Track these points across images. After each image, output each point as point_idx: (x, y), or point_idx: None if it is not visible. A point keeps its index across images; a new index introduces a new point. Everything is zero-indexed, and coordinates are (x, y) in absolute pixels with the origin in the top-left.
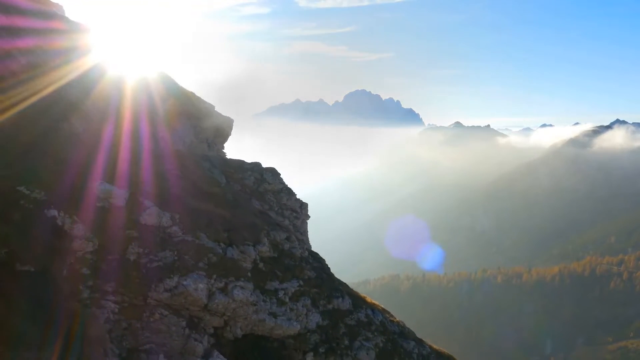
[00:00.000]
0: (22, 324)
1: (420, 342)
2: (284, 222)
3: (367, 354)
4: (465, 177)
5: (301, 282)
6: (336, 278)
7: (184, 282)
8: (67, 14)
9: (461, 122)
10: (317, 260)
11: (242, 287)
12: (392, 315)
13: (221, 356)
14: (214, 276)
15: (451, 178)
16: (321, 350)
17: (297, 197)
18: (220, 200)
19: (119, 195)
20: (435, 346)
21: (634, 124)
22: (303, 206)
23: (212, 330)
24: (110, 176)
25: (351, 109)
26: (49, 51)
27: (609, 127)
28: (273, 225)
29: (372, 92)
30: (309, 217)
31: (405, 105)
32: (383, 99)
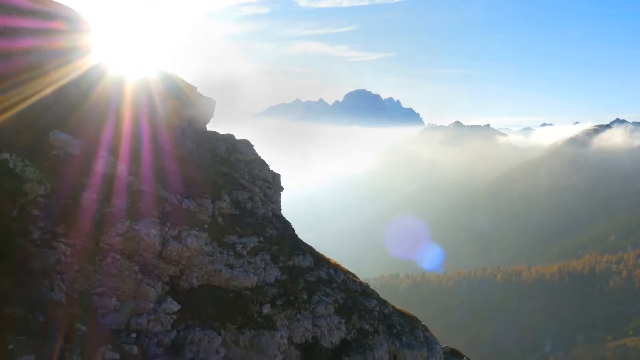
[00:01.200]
0: None
1: (383, 302)
2: (254, 189)
3: (326, 308)
4: (465, 176)
5: (261, 239)
6: (301, 240)
7: (136, 227)
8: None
9: (461, 121)
10: (281, 222)
11: (196, 236)
12: (355, 277)
13: (174, 302)
14: (168, 224)
15: (451, 177)
16: (278, 302)
17: (270, 168)
18: (185, 161)
19: (75, 144)
20: (398, 307)
21: (633, 123)
22: (276, 177)
23: (167, 279)
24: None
25: (351, 109)
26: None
27: (608, 126)
28: (236, 185)
29: (372, 92)
30: (282, 188)
31: (405, 105)
32: (383, 99)
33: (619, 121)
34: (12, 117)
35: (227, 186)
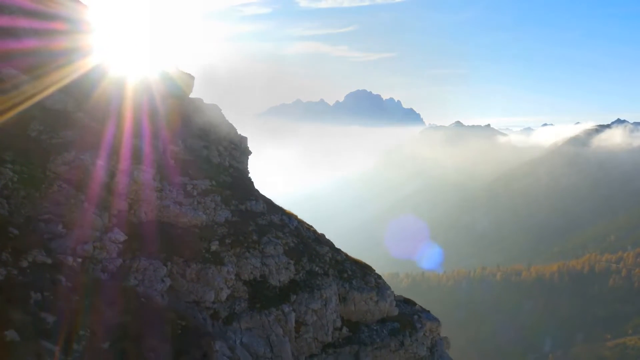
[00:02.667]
0: None
1: (337, 250)
2: (210, 139)
3: (275, 248)
4: (466, 176)
5: (214, 183)
6: (258, 191)
7: (82, 156)
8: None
9: (461, 121)
10: (238, 172)
11: (143, 171)
12: (312, 227)
13: (121, 233)
14: (115, 157)
15: (451, 177)
16: (227, 241)
17: (238, 132)
18: (144, 110)
19: (25, 80)
20: (352, 257)
21: (634, 123)
22: (242, 140)
23: (116, 212)
24: None
25: (352, 109)
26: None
27: (607, 126)
28: (193, 135)
29: (373, 92)
30: (250, 152)
31: (405, 105)
32: (384, 99)
33: (619, 121)
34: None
35: (183, 134)
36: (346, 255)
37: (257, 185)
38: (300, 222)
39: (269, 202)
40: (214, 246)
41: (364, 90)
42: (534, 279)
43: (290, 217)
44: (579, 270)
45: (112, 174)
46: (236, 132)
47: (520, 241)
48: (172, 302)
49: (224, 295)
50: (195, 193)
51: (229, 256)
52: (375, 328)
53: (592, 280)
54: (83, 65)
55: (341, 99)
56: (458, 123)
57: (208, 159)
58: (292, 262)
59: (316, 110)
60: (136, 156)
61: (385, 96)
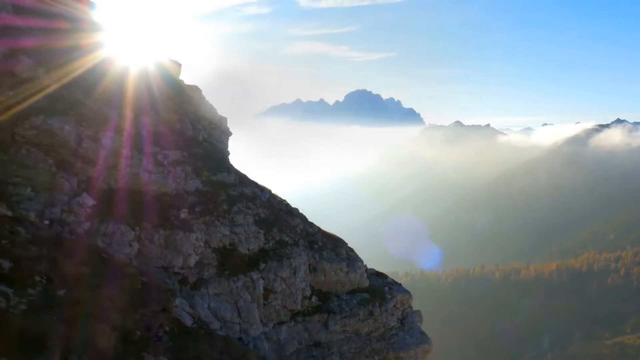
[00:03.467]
0: None
1: (309, 223)
2: (186, 114)
3: (245, 218)
4: (465, 175)
5: (185, 154)
6: (233, 165)
7: (49, 121)
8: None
9: (461, 121)
10: (213, 147)
11: (112, 138)
12: (285, 200)
13: (90, 198)
14: (84, 124)
15: (451, 177)
16: (197, 209)
17: (218, 112)
18: (119, 83)
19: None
20: (325, 230)
21: (633, 123)
22: (222, 120)
23: (85, 178)
24: None
25: (352, 109)
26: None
27: (606, 125)
28: (168, 109)
29: (373, 92)
30: (231, 133)
31: (406, 105)
32: (384, 99)
33: (618, 121)
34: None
35: (154, 106)
36: (319, 228)
37: None
38: (273, 195)
39: (242, 176)
40: (183, 214)
41: (364, 90)
42: (533, 277)
43: (264, 190)
44: (578, 269)
45: (80, 140)
46: (216, 113)
47: (519, 240)
48: (141, 267)
49: (192, 261)
50: (165, 162)
51: (198, 224)
52: (345, 298)
53: (591, 279)
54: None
55: (341, 99)
56: (458, 123)
57: (181, 132)
58: (262, 231)
59: (316, 110)
60: (104, 123)
61: (385, 96)
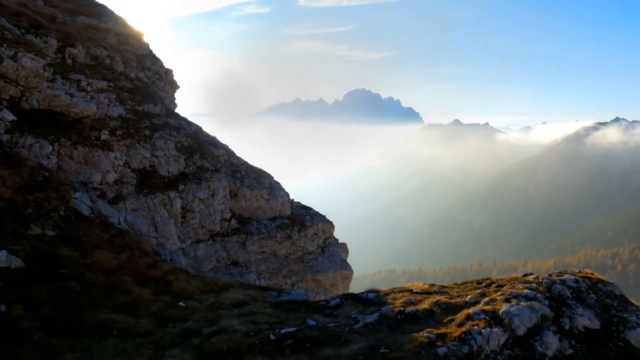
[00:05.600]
0: None
1: (234, 155)
2: (120, 66)
3: (166, 143)
4: (464, 173)
5: (111, 85)
6: (162, 101)
7: None
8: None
9: (460, 120)
10: (146, 85)
11: (32, 59)
12: (214, 135)
13: (11, 113)
14: (5, 45)
15: (450, 175)
16: (118, 132)
17: (164, 64)
18: (55, 21)
19: None
20: (252, 165)
21: (632, 121)
22: (169, 72)
23: (8, 97)
24: None
25: (351, 108)
26: None
27: (604, 123)
28: (97, 44)
29: (372, 91)
30: (178, 86)
31: (405, 104)
32: (383, 98)
33: (617, 119)
34: None
35: (85, 41)
36: (245, 161)
37: None
38: (200, 128)
39: (172, 111)
40: (104, 135)
41: (363, 89)
42: None
43: (191, 123)
44: (575, 266)
45: (1, 59)
46: (162, 64)
47: (517, 238)
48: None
49: (111, 178)
50: (89, 89)
51: (119, 145)
52: (264, 223)
53: None
54: None
55: (340, 98)
56: (457, 121)
57: (110, 66)
58: (182, 157)
59: (315, 109)
60: (28, 45)
61: (384, 95)
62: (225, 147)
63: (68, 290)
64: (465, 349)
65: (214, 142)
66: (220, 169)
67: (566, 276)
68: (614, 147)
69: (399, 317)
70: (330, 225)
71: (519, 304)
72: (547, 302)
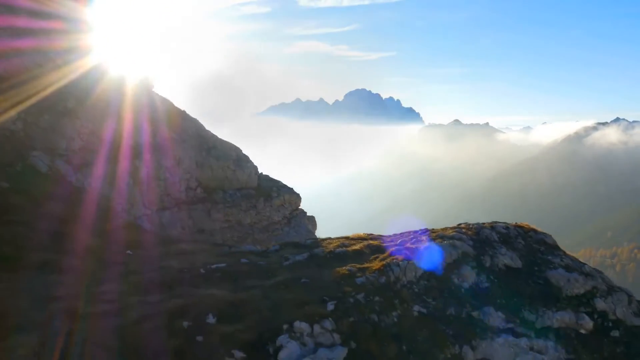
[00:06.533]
0: None
1: (204, 129)
2: None
3: (134, 114)
4: (464, 174)
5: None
6: None
7: None
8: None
9: (460, 120)
10: None
11: None
12: (188, 114)
13: None
14: None
15: (450, 175)
16: (87, 102)
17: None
18: None
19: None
20: (222, 139)
21: (633, 121)
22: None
23: None
24: None
25: (351, 108)
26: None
27: (604, 123)
28: None
29: (373, 91)
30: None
31: (405, 104)
32: (383, 98)
33: (617, 119)
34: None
35: None
36: (214, 135)
37: None
38: (172, 103)
39: None
40: (71, 104)
41: (364, 89)
42: None
43: (164, 98)
44: None
45: None
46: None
47: None
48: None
49: (76, 145)
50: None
51: (86, 114)
52: (230, 193)
53: None
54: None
55: (341, 98)
56: (457, 121)
57: None
58: (149, 128)
59: (316, 110)
60: None
61: (384, 95)
62: (194, 121)
63: (16, 234)
64: (383, 279)
65: (184, 115)
66: (187, 140)
67: (498, 225)
68: (614, 147)
69: (328, 256)
70: (297, 197)
71: (442, 242)
72: (471, 242)
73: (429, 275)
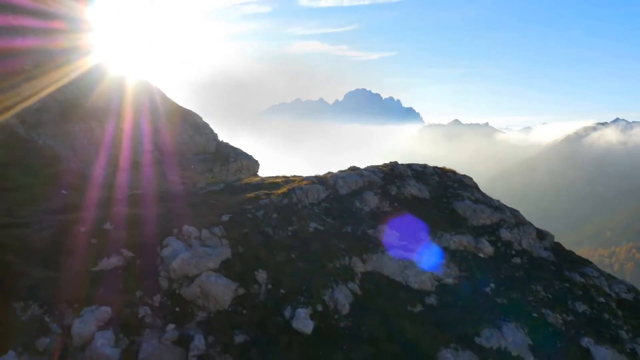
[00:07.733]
0: None
1: (165, 97)
2: None
3: (95, 80)
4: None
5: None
6: None
7: None
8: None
9: (460, 120)
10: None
11: None
12: (149, 84)
13: None
14: None
15: None
16: (47, 65)
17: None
18: None
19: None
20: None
21: (632, 122)
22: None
23: None
24: None
25: (351, 108)
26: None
27: (603, 124)
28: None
29: (373, 91)
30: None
31: (405, 104)
32: (383, 98)
33: (616, 119)
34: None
35: None
36: (175, 102)
37: None
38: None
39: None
40: (27, 67)
41: (364, 89)
42: None
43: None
44: None
45: None
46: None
47: None
48: None
49: (34, 105)
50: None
51: (43, 76)
52: (188, 157)
53: None
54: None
55: (341, 98)
56: (456, 121)
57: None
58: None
59: (316, 109)
60: None
61: (384, 95)
62: (157, 88)
63: None
64: (285, 201)
65: (145, 84)
66: (146, 105)
67: (415, 164)
68: (613, 147)
69: (244, 187)
70: (255, 162)
71: (350, 173)
72: (382, 174)
73: (331, 199)
